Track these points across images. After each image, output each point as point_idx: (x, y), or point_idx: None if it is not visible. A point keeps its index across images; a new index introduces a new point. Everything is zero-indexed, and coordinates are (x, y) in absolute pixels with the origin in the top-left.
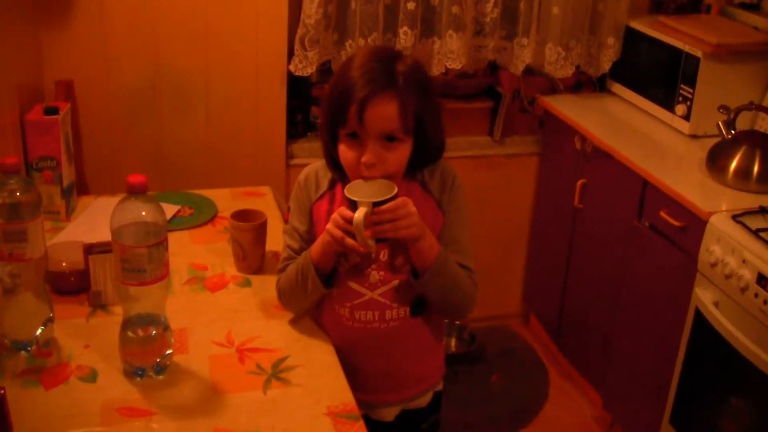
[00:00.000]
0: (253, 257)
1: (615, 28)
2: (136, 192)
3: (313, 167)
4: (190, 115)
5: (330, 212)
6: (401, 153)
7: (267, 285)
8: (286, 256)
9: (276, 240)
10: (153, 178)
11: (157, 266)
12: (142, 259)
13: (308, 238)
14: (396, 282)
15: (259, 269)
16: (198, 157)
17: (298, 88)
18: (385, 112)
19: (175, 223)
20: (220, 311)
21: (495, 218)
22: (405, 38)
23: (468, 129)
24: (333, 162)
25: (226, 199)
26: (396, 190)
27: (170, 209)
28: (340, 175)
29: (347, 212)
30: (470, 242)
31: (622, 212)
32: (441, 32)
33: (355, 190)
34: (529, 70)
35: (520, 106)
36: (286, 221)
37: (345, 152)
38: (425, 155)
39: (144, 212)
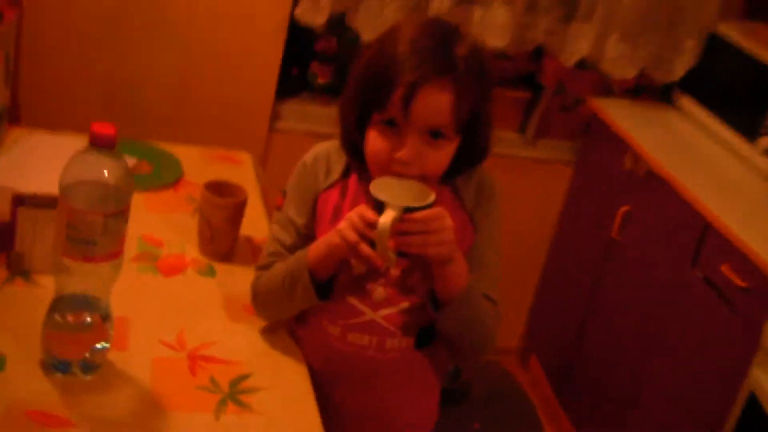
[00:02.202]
0: (222, 240)
1: (697, 29)
2: (101, 145)
3: (324, 147)
4: (161, 49)
5: (339, 207)
6: (445, 153)
7: (235, 277)
8: (273, 250)
9: (250, 223)
10: (105, 118)
11: (112, 241)
12: (94, 228)
13: (306, 234)
14: (406, 304)
15: (228, 256)
16: (164, 102)
17: (297, 37)
18: (437, 103)
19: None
20: (173, 302)
21: (508, 231)
22: (440, 3)
23: (496, 120)
24: (352, 146)
25: (194, 160)
26: (433, 197)
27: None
28: (358, 163)
29: (370, 213)
30: (499, 270)
31: (672, 256)
32: (485, 0)
33: (382, 188)
34: (580, 64)
35: (561, 103)
36: (278, 207)
37: (375, 141)
38: (468, 158)
39: (106, 171)
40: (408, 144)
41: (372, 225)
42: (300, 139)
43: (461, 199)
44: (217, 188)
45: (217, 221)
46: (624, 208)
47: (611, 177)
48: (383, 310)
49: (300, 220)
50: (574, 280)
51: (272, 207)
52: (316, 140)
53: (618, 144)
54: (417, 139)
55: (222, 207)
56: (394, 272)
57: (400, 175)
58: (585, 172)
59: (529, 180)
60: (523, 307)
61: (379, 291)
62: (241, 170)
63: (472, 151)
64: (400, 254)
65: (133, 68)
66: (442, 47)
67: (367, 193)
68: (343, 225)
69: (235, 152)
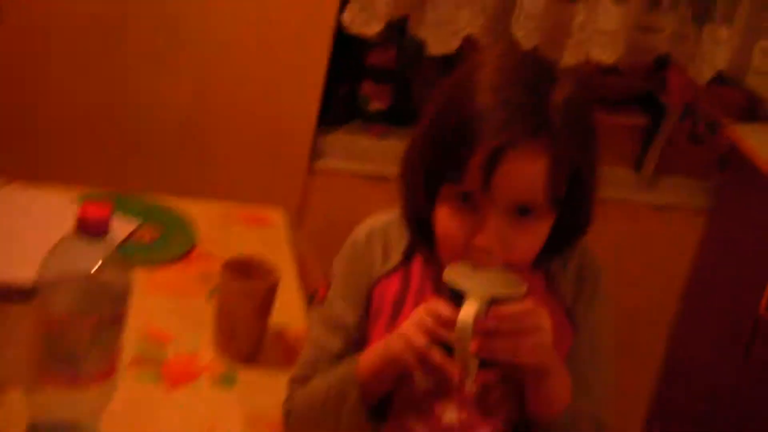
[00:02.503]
0: (247, 337)
1: None
2: (91, 231)
3: (382, 221)
4: (169, 70)
5: (401, 301)
6: (537, 235)
7: (260, 388)
8: (313, 358)
9: (282, 311)
10: (96, 166)
11: (102, 356)
12: (80, 340)
13: (357, 336)
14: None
15: (252, 356)
16: (173, 139)
17: (345, 50)
18: (528, 173)
19: (129, 252)
20: (182, 423)
21: (618, 301)
22: (531, 1)
23: (605, 154)
24: (418, 221)
25: (210, 222)
26: (525, 287)
27: (122, 226)
28: (424, 243)
29: (445, 308)
30: (610, 383)
31: None
32: None
33: (458, 276)
34: (718, 78)
35: (691, 131)
36: (320, 299)
37: (447, 220)
38: (566, 235)
39: (97, 264)
40: (489, 226)
41: (448, 323)
42: (349, 183)
43: (557, 290)
44: (241, 267)
45: (241, 312)
46: None
47: (759, 230)
48: None
49: (350, 319)
50: (707, 375)
51: (310, 283)
52: (370, 185)
53: (765, 185)
54: (500, 220)
55: (247, 294)
56: (471, 389)
57: (480, 264)
58: (722, 224)
59: (646, 232)
60: (638, 409)
61: (450, 413)
62: (271, 235)
63: (571, 226)
64: (483, 364)
65: (132, 92)
66: (534, 97)
67: (437, 282)
68: (408, 325)
69: (263, 209)
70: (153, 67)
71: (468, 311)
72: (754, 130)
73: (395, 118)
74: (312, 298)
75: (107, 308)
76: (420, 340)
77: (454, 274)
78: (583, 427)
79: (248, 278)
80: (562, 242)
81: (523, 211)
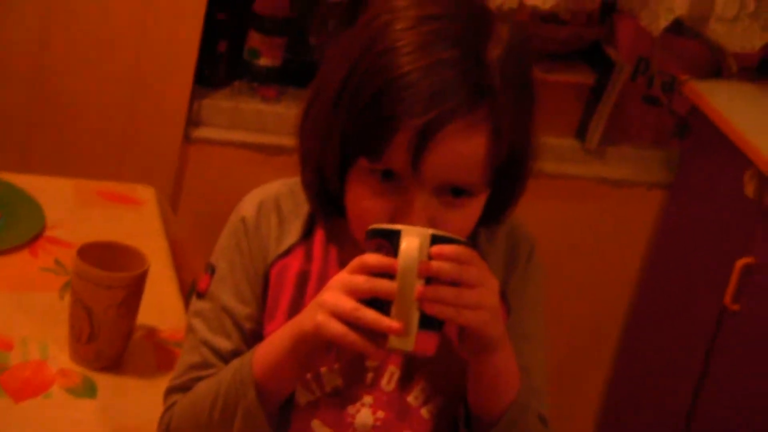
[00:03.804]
0: (109, 339)
1: None
2: None
3: (272, 193)
4: (12, 24)
5: (304, 281)
6: (471, 214)
7: (128, 399)
8: (196, 361)
9: (154, 306)
10: None
11: None
12: None
13: (252, 330)
14: None
15: (117, 363)
16: (14, 102)
17: None
18: (464, 151)
19: None
20: None
21: (569, 292)
22: None
23: (543, 120)
24: (321, 192)
25: (64, 202)
26: (465, 240)
27: None
28: (327, 216)
29: (375, 257)
30: (546, 374)
31: None
32: None
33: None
34: (675, 27)
35: (644, 91)
36: (200, 291)
37: (365, 200)
38: (496, 207)
39: None
40: (416, 209)
41: (383, 273)
42: (234, 156)
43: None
44: (100, 254)
45: (101, 308)
46: (744, 260)
47: (724, 209)
48: None
49: (241, 311)
50: (666, 372)
51: (188, 273)
52: (260, 157)
53: (734, 155)
54: (430, 201)
55: (108, 287)
56: (387, 384)
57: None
58: (683, 202)
59: (593, 212)
60: (589, 410)
61: (363, 412)
62: (139, 217)
63: (503, 199)
64: (422, 325)
65: None
66: (467, 57)
67: (344, 261)
68: (326, 292)
69: (129, 187)
70: None
71: (411, 244)
72: (718, 87)
73: (291, 76)
74: (192, 290)
75: None
76: (346, 303)
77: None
78: (530, 423)
79: (109, 267)
80: (492, 216)
81: (456, 192)
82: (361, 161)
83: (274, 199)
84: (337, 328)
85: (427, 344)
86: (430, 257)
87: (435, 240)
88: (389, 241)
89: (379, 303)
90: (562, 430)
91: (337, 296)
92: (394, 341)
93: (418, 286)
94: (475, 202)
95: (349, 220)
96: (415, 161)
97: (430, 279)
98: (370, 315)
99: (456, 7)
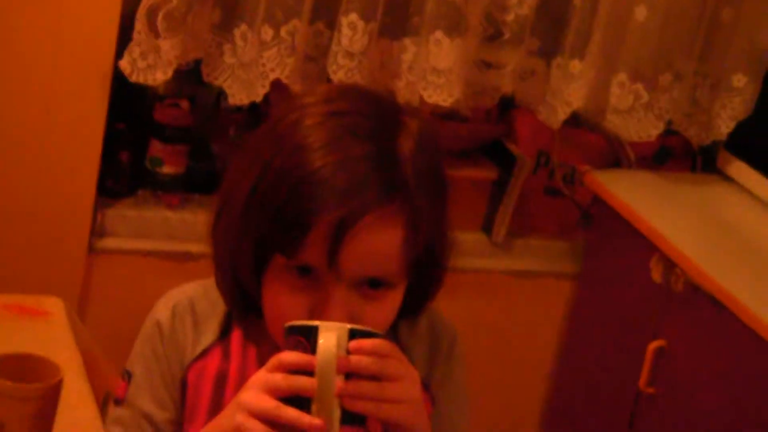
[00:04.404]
0: None
1: (748, 57)
2: None
3: (186, 296)
4: None
5: (222, 381)
6: (390, 305)
7: None
8: None
9: (68, 419)
10: None
11: None
12: None
13: (175, 431)
14: None
15: None
16: None
17: (127, 104)
18: (380, 246)
19: None
20: None
21: (485, 385)
22: (351, 35)
23: (450, 215)
24: (236, 294)
25: None
26: (383, 333)
27: None
28: (243, 313)
29: (292, 355)
30: None
31: (735, 413)
32: (419, 30)
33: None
34: (573, 120)
35: (546, 182)
36: (118, 399)
37: (282, 297)
38: (415, 300)
39: None
40: (334, 303)
41: (301, 369)
42: (140, 264)
43: (410, 362)
44: (12, 366)
45: (15, 422)
46: (655, 344)
47: (632, 295)
48: None
49: (162, 414)
50: None
51: (100, 384)
52: (167, 265)
53: (638, 243)
54: (348, 294)
55: (22, 398)
56: None
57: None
58: (591, 290)
59: (505, 305)
60: None
61: None
62: (48, 328)
63: (421, 291)
64: (344, 420)
65: None
66: (379, 151)
67: (262, 360)
68: (245, 392)
69: (36, 298)
70: None
71: (329, 341)
72: (618, 177)
73: (194, 183)
74: (105, 400)
75: None
76: (266, 402)
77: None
78: None
79: (22, 380)
80: (411, 308)
81: (374, 284)
82: (277, 258)
83: (188, 300)
84: (257, 428)
85: None
86: (349, 352)
87: (353, 334)
88: (306, 338)
89: (300, 400)
90: None
91: (256, 395)
92: None
93: (338, 382)
94: (394, 293)
95: (266, 319)
96: (332, 256)
97: (350, 374)
98: (291, 413)
99: (365, 102)
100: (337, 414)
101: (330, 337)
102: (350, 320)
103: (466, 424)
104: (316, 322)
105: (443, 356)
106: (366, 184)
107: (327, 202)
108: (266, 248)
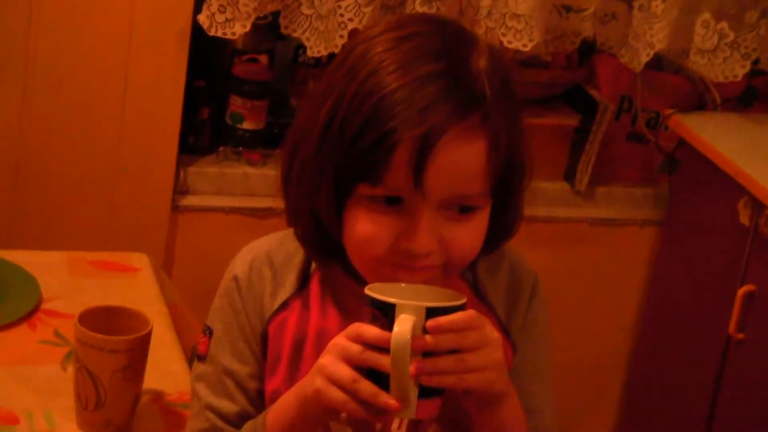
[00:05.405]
0: (117, 405)
1: None
2: None
3: (262, 249)
4: None
5: (301, 339)
6: (479, 228)
7: None
8: (203, 427)
9: (157, 370)
10: None
11: None
12: None
13: (257, 387)
14: None
15: (126, 428)
16: (1, 181)
17: (206, 60)
18: (466, 162)
19: None
20: None
21: (569, 333)
22: None
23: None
24: (317, 236)
25: (58, 274)
26: (465, 299)
27: None
28: (325, 259)
29: (370, 329)
30: (553, 407)
31: None
32: None
33: (380, 293)
34: (656, 63)
35: (629, 128)
36: (200, 354)
37: (368, 225)
38: (498, 231)
39: None
40: (422, 228)
41: (378, 346)
42: (223, 222)
43: (488, 303)
44: (101, 319)
45: (106, 374)
46: (745, 288)
47: (720, 240)
48: None
49: (243, 372)
50: (675, 406)
51: (187, 339)
52: (248, 222)
53: (725, 185)
54: (436, 218)
55: (112, 351)
56: (398, 430)
57: (408, 274)
58: (677, 236)
59: (588, 254)
60: None
61: None
62: (135, 283)
63: (501, 221)
64: (422, 393)
65: None
66: (453, 66)
67: (341, 303)
68: (325, 358)
69: (123, 254)
70: None
71: (404, 325)
72: (703, 119)
73: (274, 139)
74: (193, 354)
75: None
76: (344, 373)
77: (376, 291)
78: None
79: (112, 332)
80: (491, 243)
81: (463, 208)
82: (360, 190)
83: (265, 253)
84: (336, 395)
85: (430, 409)
86: (426, 331)
87: (430, 313)
88: (384, 314)
89: (379, 373)
90: None
91: (335, 363)
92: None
93: (415, 362)
94: (480, 216)
95: (350, 254)
96: (417, 177)
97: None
98: (368, 389)
99: (433, 24)
100: (414, 392)
101: (405, 321)
102: (440, 245)
103: (549, 372)
104: (394, 300)
105: (525, 301)
106: (445, 100)
107: (408, 120)
108: (348, 179)
